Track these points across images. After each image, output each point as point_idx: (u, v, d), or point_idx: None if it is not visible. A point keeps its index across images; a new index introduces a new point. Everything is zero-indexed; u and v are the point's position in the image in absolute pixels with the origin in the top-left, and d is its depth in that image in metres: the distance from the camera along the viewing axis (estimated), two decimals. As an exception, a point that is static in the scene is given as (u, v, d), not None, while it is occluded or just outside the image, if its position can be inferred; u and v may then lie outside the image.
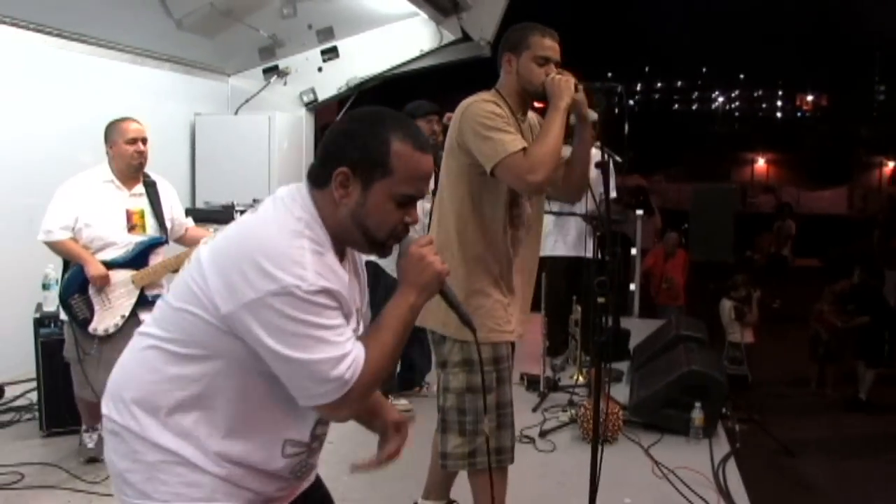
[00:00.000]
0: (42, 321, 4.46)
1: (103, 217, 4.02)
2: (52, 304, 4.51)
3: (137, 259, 4.06)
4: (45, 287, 4.53)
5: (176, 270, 4.05)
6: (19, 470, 3.98)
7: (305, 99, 7.44)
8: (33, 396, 4.81)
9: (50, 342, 4.40)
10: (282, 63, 7.41)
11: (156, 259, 4.13)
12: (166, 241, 4.21)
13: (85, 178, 4.07)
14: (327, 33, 7.25)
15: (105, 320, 3.98)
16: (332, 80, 7.42)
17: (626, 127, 2.84)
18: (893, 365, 8.57)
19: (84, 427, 4.21)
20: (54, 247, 3.99)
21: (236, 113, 7.28)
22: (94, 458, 4.10)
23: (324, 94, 7.48)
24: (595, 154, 4.68)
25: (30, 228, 5.37)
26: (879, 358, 8.34)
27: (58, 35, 5.71)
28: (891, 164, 27.68)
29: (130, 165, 4.07)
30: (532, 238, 3.09)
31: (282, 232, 1.64)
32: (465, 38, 7.09)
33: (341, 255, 1.77)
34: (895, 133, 35.29)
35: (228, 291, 1.59)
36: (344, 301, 1.67)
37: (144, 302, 4.06)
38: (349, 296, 1.72)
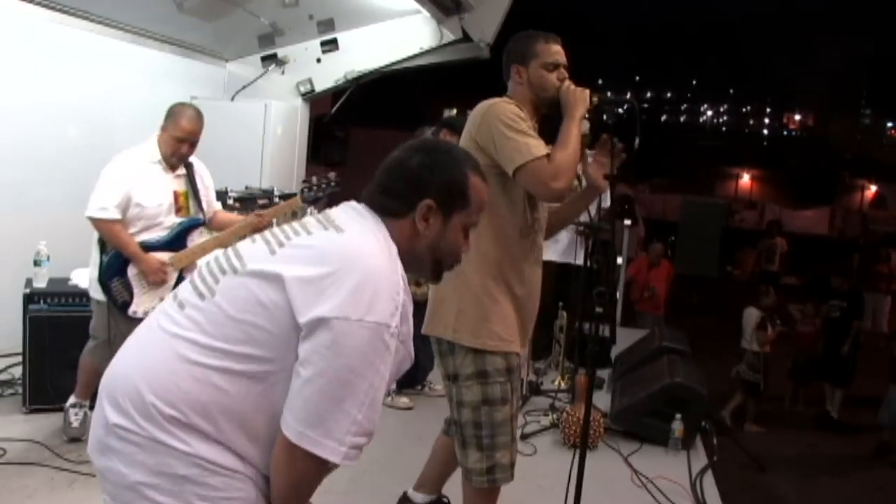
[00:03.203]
0: (32, 297, 4.43)
1: (154, 199, 3.95)
2: (42, 280, 4.51)
3: (176, 240, 4.03)
4: (37, 263, 4.51)
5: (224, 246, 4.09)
6: (1, 445, 3.96)
7: (302, 89, 7.43)
8: (15, 372, 4.81)
9: (38, 318, 4.40)
10: (280, 52, 7.39)
11: (193, 241, 4.09)
12: (205, 223, 4.19)
13: (135, 156, 3.98)
14: (328, 25, 7.24)
15: (145, 303, 3.95)
16: (330, 72, 7.40)
17: (637, 142, 2.83)
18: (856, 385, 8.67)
19: (72, 401, 4.17)
20: (104, 226, 3.85)
21: (233, 99, 7.26)
22: (78, 438, 4.09)
23: (321, 85, 7.47)
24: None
25: (20, 202, 5.37)
26: (846, 378, 8.45)
27: (60, 10, 5.67)
28: (872, 188, 27.87)
29: (170, 158, 4.03)
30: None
31: (384, 265, 1.65)
32: (466, 38, 7.10)
33: None
34: (878, 157, 35.66)
35: (319, 300, 1.56)
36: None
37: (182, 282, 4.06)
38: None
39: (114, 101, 6.18)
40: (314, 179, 4.16)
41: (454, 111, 8.26)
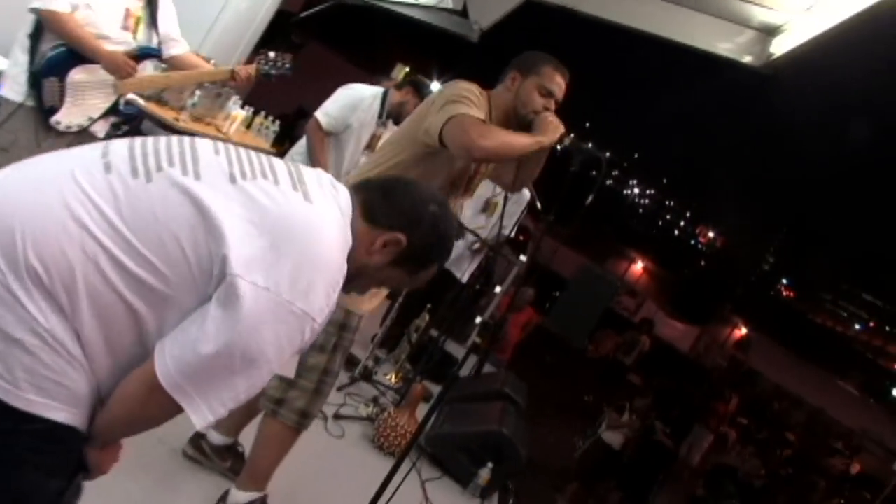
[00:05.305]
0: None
1: (104, 4, 3.52)
2: None
3: None
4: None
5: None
6: None
7: (284, -21, 6.99)
8: None
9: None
10: (281, -69, 6.93)
11: (143, 70, 3.70)
12: (161, 57, 3.81)
13: None
14: (339, -68, 6.85)
15: (72, 115, 3.52)
16: (319, -22, 7.00)
17: (591, 199, 2.67)
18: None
19: None
20: (54, 19, 3.35)
21: (211, -47, 6.73)
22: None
23: (305, -15, 7.06)
24: (525, 194, 4.60)
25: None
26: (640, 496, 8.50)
27: None
28: (744, 330, 28.76)
29: None
30: None
31: (335, 259, 1.54)
32: (463, 13, 6.83)
33: None
34: (762, 303, 37.05)
35: (256, 264, 1.42)
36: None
37: (115, 110, 3.68)
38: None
39: None
40: (272, 55, 3.87)
41: (406, 69, 7.97)
